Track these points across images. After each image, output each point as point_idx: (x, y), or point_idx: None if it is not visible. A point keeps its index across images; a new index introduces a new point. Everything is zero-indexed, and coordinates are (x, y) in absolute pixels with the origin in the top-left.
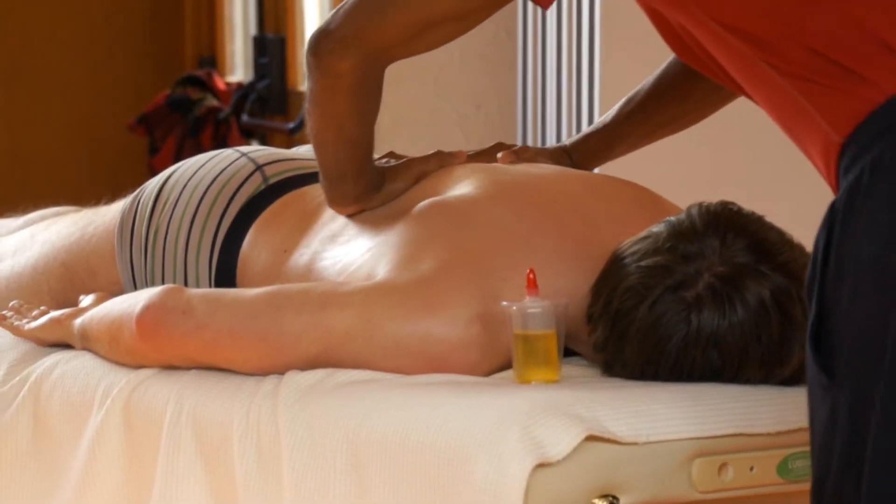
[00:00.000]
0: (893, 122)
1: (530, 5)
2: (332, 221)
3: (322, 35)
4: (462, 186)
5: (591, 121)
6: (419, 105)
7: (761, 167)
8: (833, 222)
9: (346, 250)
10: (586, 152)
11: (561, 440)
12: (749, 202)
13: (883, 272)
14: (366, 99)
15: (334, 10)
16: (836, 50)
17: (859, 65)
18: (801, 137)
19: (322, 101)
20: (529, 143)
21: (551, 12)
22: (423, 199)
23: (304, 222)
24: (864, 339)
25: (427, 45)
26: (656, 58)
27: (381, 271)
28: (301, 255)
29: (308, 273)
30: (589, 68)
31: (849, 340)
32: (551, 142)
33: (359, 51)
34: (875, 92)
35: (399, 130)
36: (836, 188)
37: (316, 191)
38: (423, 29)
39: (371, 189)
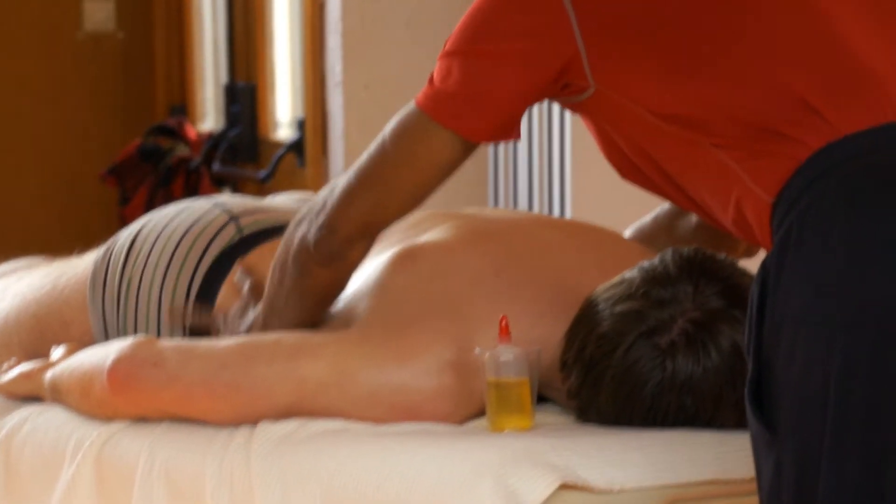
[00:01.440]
0: (818, 175)
1: None
2: None
3: (327, 238)
4: (439, 232)
5: (562, 185)
6: None
7: None
8: (765, 278)
9: None
10: None
11: (535, 489)
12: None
13: (816, 323)
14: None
15: (321, 201)
16: (765, 118)
17: (787, 127)
18: (739, 211)
19: (322, 288)
20: (501, 206)
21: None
22: (399, 243)
23: None
24: (804, 392)
25: (431, 193)
26: None
27: (355, 321)
28: None
29: None
30: (560, 131)
31: (789, 395)
32: (523, 205)
33: (369, 239)
34: (801, 149)
35: None
36: (769, 245)
37: None
38: (422, 193)
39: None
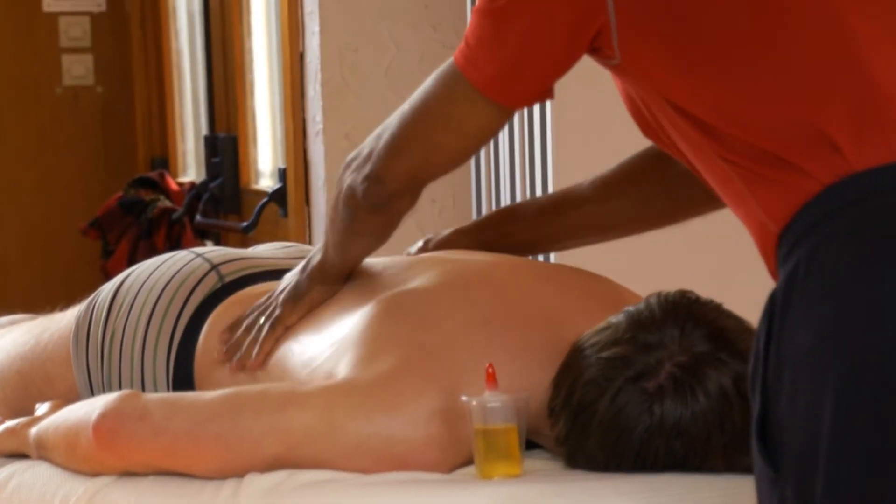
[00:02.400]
0: (829, 212)
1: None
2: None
3: (375, 190)
4: (426, 279)
5: (544, 176)
6: None
7: (718, 253)
8: (773, 313)
9: (308, 346)
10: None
11: None
12: (707, 289)
13: (817, 364)
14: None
15: (368, 150)
16: (776, 144)
17: (799, 158)
18: (744, 222)
19: (373, 232)
20: (483, 197)
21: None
22: (387, 288)
23: None
24: (803, 432)
25: (475, 152)
26: (612, 160)
27: (342, 370)
28: None
29: (269, 369)
30: (542, 160)
31: (791, 433)
32: (504, 196)
33: (417, 191)
34: (812, 183)
35: None
36: (775, 275)
37: (273, 287)
38: (467, 154)
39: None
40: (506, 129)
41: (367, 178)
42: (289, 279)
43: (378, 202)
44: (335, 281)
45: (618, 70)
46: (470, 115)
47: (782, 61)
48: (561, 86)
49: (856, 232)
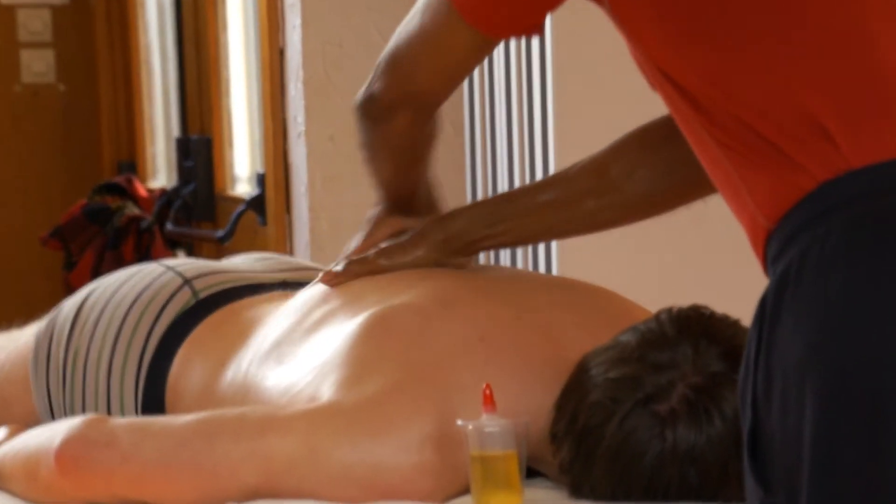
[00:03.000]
0: (822, 212)
1: (476, 95)
2: (272, 337)
3: (370, 100)
4: (415, 293)
5: (545, 157)
6: (361, 207)
7: (732, 265)
8: (763, 320)
9: (288, 369)
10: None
11: None
12: (722, 303)
13: (804, 376)
14: (426, 136)
15: (375, 67)
16: (766, 126)
17: (790, 146)
18: (734, 210)
19: (388, 152)
20: (479, 185)
21: (499, 77)
22: (373, 305)
23: (241, 339)
24: (790, 448)
25: (466, 71)
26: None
27: (326, 392)
28: (238, 375)
29: (247, 394)
30: (542, 144)
31: (780, 452)
32: (502, 183)
33: (411, 107)
34: (805, 178)
35: (340, 236)
36: (765, 269)
37: (252, 304)
38: (449, 77)
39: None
40: (503, 109)
41: (366, 90)
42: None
43: (375, 114)
44: (390, 208)
45: (609, 13)
46: (450, 39)
47: (780, 33)
48: (562, 64)
49: (849, 236)
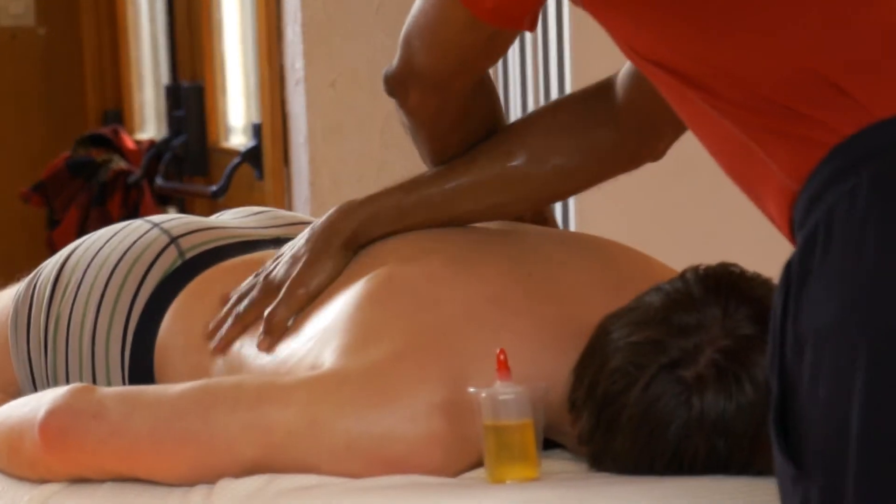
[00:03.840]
0: (848, 166)
1: None
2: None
3: (387, 76)
4: (423, 254)
5: None
6: (364, 159)
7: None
8: (789, 284)
9: (286, 339)
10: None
11: None
12: (753, 261)
13: (843, 341)
14: (463, 114)
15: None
16: (776, 92)
17: (805, 106)
18: (753, 185)
19: (416, 129)
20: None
21: (514, 60)
22: (376, 267)
23: None
24: (828, 421)
25: (483, 66)
26: None
27: (328, 359)
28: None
29: (241, 365)
30: (558, 66)
31: (814, 423)
32: None
33: (420, 86)
34: (828, 134)
35: (342, 190)
36: (790, 237)
37: (243, 262)
38: (453, 52)
39: None
40: (517, 85)
41: (386, 71)
42: None
43: (389, 89)
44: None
45: (592, 16)
46: (444, 13)
47: (773, 3)
48: (581, 44)
49: (880, 187)
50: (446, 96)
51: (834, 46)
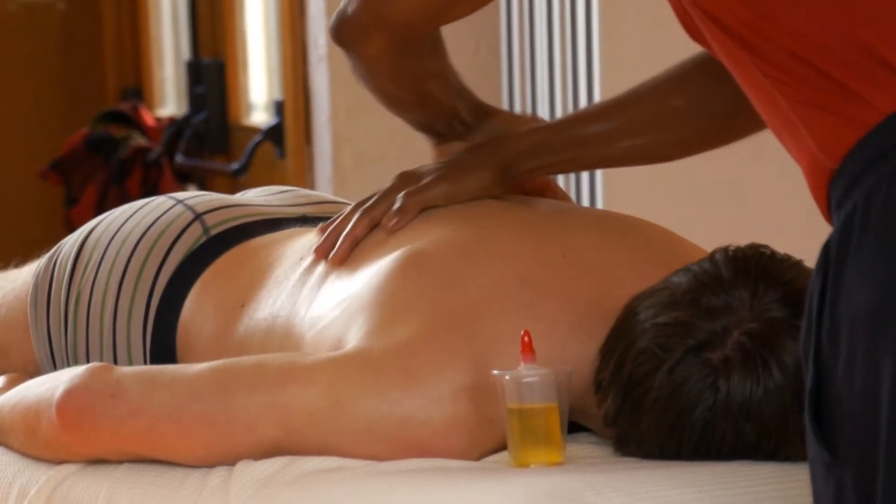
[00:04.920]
0: (888, 150)
1: (515, 14)
2: (293, 270)
3: (341, 21)
4: (450, 232)
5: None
6: (387, 139)
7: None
8: (827, 267)
9: (315, 299)
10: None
11: None
12: (784, 243)
13: (876, 328)
14: (417, 61)
15: None
16: (824, 59)
17: (851, 78)
18: (793, 153)
19: (370, 79)
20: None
21: (541, 22)
22: (407, 242)
23: (258, 280)
24: (862, 408)
25: (458, 13)
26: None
27: (353, 338)
28: (259, 310)
29: (268, 329)
30: (588, 89)
31: (850, 410)
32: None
33: (383, 33)
34: (869, 112)
35: (365, 168)
36: (827, 216)
37: (270, 242)
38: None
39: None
40: (544, 26)
41: (337, 13)
42: None
43: (343, 37)
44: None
45: None
46: None
47: None
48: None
49: None
50: (410, 47)
51: (887, 18)
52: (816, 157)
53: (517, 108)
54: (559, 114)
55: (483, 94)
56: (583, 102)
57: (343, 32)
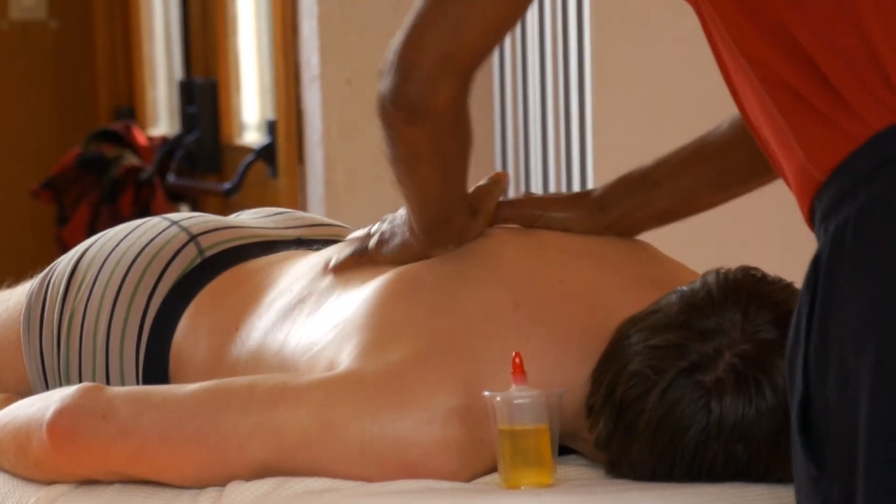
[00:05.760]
0: (880, 165)
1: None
2: (289, 293)
3: (401, 85)
4: (450, 254)
5: (583, 169)
6: (380, 158)
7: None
8: (816, 282)
9: (308, 325)
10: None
11: None
12: (773, 265)
13: (862, 344)
14: (467, 121)
15: (392, 49)
16: (828, 58)
17: (847, 89)
18: (780, 157)
19: (426, 151)
20: (511, 193)
21: (534, 45)
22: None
23: (252, 302)
24: (846, 422)
25: (502, 37)
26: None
27: (346, 359)
28: (250, 341)
29: (260, 358)
30: (579, 106)
31: (837, 426)
32: (536, 183)
33: (454, 77)
34: (860, 127)
35: (357, 188)
36: (811, 226)
37: (265, 265)
38: (509, 15)
39: (469, 219)
40: (535, 66)
41: (392, 73)
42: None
43: (409, 100)
44: (438, 240)
45: None
46: None
47: None
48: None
49: None
50: (470, 84)
51: (891, 23)
52: (804, 167)
53: (509, 126)
54: (550, 131)
55: (475, 110)
56: (574, 119)
57: (410, 95)
